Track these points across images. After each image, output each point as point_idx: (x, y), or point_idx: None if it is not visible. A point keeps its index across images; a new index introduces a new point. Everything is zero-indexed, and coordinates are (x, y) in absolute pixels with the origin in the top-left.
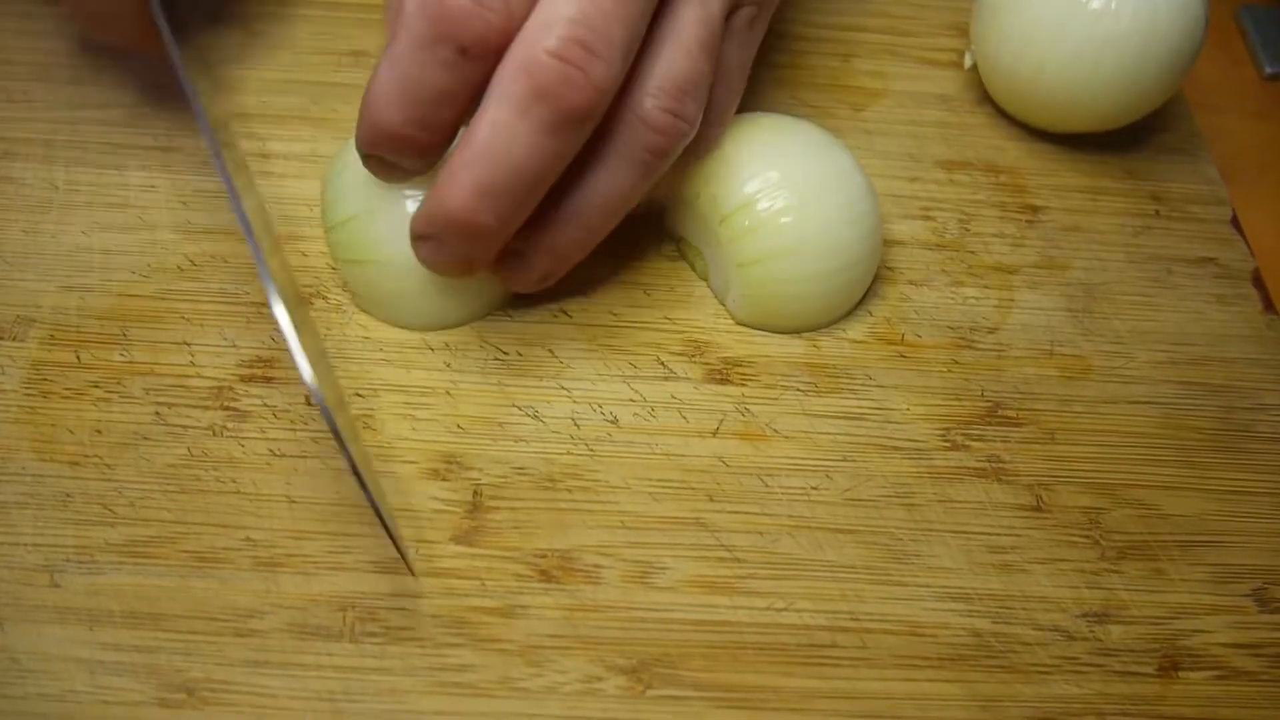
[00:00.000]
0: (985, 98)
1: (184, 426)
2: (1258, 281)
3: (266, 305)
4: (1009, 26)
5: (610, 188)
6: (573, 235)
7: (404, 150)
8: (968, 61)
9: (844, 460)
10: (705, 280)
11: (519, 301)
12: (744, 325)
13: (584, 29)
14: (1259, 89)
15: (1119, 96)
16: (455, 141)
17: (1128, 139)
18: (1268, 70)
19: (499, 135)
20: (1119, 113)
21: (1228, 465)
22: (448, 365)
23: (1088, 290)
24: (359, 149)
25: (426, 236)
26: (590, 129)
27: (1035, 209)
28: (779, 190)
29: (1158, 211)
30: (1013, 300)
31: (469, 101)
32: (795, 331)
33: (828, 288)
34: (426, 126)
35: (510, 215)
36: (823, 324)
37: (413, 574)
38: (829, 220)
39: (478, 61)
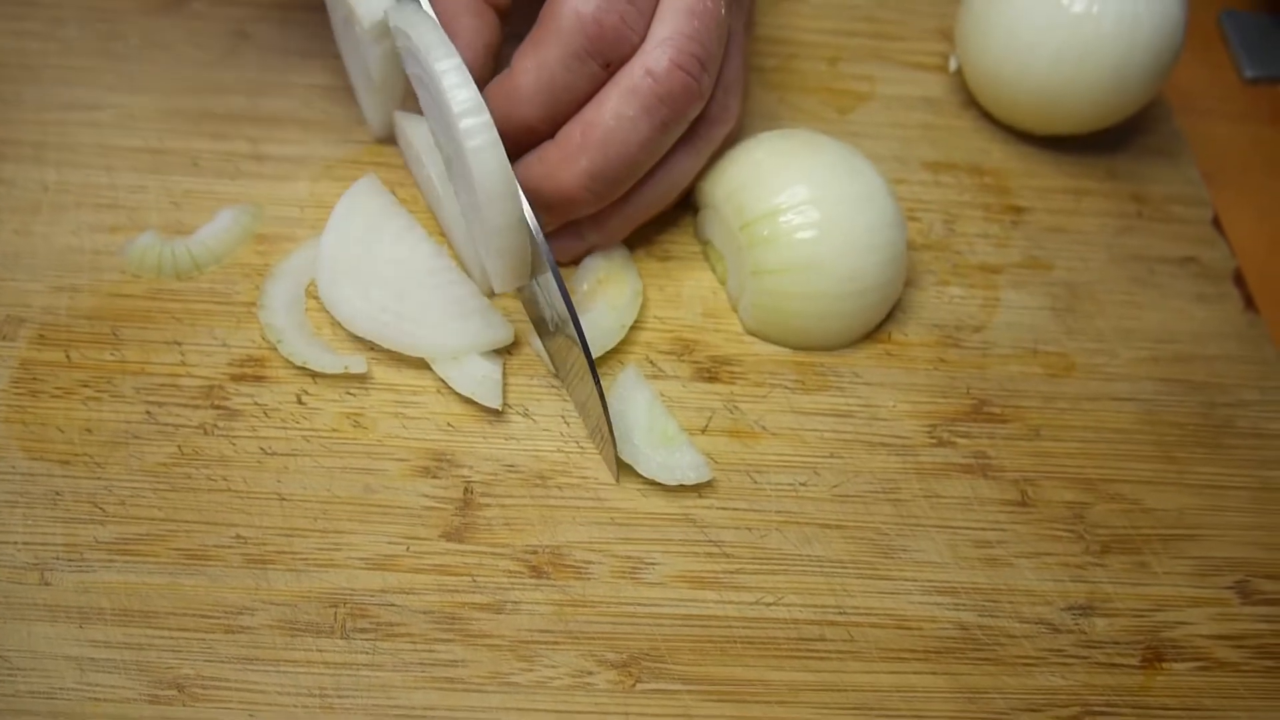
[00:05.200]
0: (970, 101)
1: (175, 425)
2: (1239, 280)
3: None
4: (993, 31)
5: (668, 175)
6: (628, 214)
7: (525, 142)
8: (953, 65)
9: (831, 457)
10: (724, 284)
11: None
12: (753, 334)
13: (698, 45)
14: (1240, 92)
15: (1101, 99)
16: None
17: (1110, 141)
18: (1248, 74)
19: (622, 128)
20: (1101, 115)
21: (1208, 460)
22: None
23: (1071, 289)
24: None
25: None
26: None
27: (1019, 210)
28: (806, 206)
29: (1140, 212)
30: (997, 299)
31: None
32: (802, 348)
33: (839, 309)
34: (554, 124)
35: (606, 198)
36: (830, 346)
37: (615, 480)
38: (850, 243)
39: (611, 73)
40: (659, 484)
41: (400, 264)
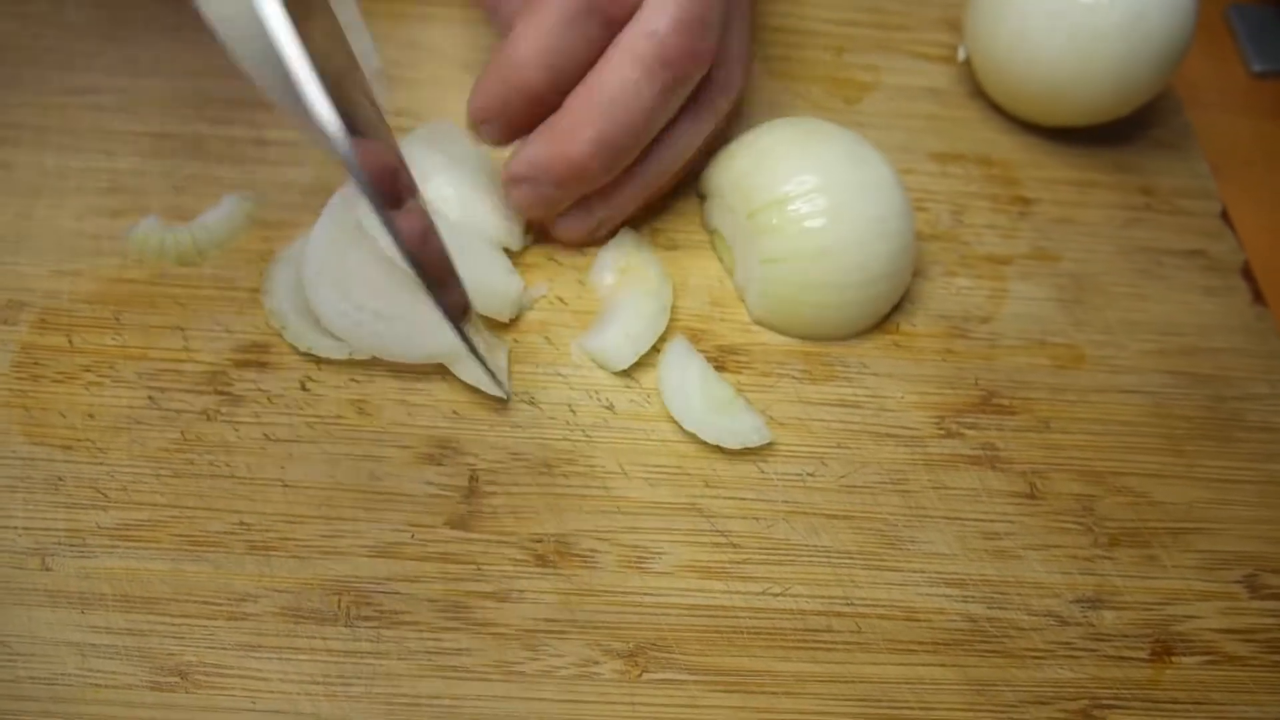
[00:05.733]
0: (978, 91)
1: (177, 411)
2: (1247, 274)
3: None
4: (1001, 20)
5: (673, 143)
6: (636, 184)
7: (535, 110)
8: (961, 55)
9: (839, 447)
10: (731, 273)
11: None
12: (760, 324)
13: (700, 5)
14: (1248, 85)
15: (1109, 90)
16: None
17: (1118, 133)
18: (1256, 67)
19: (626, 94)
20: (1109, 106)
21: (1217, 454)
22: None
23: (1078, 281)
24: (480, 117)
25: (526, 180)
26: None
27: (1027, 201)
28: (814, 194)
29: (1148, 204)
30: (1005, 290)
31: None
32: (809, 338)
33: (847, 299)
34: (560, 90)
35: (616, 166)
36: (838, 336)
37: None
38: (859, 232)
39: (612, 34)
40: (666, 471)
41: (387, 264)
